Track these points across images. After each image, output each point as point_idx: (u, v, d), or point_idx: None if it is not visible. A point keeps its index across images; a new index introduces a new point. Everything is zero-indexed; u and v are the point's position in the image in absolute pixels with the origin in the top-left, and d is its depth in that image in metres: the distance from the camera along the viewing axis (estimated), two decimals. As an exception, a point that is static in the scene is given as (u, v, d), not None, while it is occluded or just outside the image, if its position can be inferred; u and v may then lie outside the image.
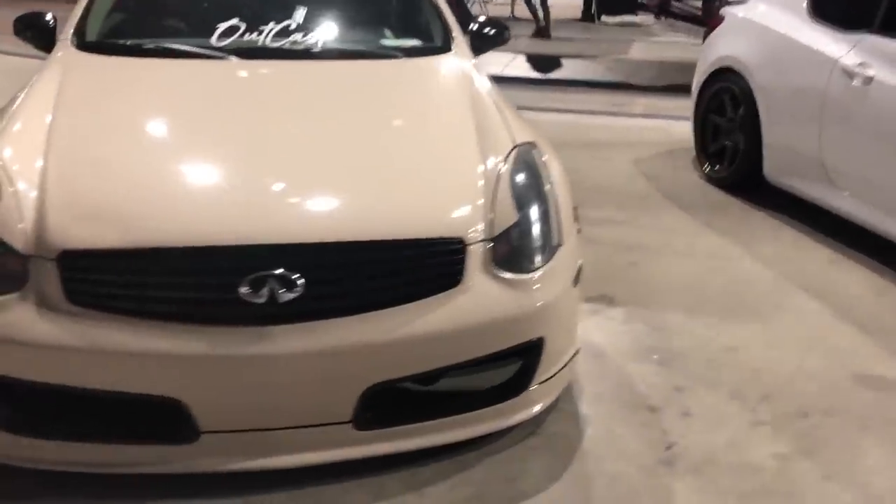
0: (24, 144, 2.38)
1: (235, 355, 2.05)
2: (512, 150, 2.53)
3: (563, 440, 2.47)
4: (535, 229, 2.38)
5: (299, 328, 2.08)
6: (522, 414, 2.39)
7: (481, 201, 2.34)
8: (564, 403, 2.59)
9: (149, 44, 3.06)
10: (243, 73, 2.94)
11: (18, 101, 2.67)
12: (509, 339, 2.28)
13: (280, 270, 2.05)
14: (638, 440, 2.48)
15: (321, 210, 2.22)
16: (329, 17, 3.34)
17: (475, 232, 2.27)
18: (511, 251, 2.32)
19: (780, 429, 2.56)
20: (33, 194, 2.18)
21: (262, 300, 2.05)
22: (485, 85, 3.02)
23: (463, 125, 2.66)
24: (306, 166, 2.36)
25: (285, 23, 3.10)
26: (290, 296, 2.06)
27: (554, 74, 8.49)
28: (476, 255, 2.26)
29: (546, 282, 2.34)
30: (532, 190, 2.45)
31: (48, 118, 2.48)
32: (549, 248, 2.39)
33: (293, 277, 2.06)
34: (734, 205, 4.55)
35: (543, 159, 2.57)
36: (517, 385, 2.36)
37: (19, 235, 2.11)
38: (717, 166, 4.87)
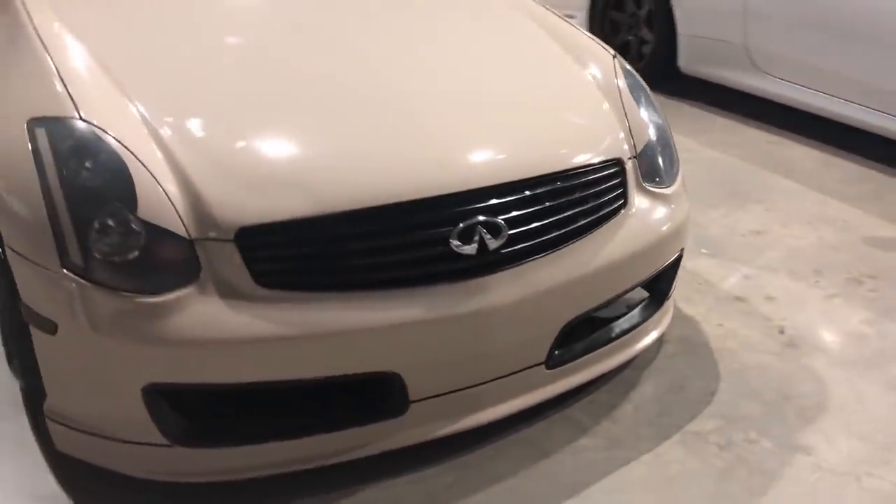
0: (101, 102, 1.92)
1: (454, 314, 1.87)
2: (613, 61, 2.47)
3: (693, 343, 2.54)
4: (665, 139, 2.37)
5: (509, 275, 1.93)
6: (665, 324, 2.42)
7: (614, 118, 2.28)
8: (667, 308, 2.66)
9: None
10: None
11: (24, 49, 2.14)
12: (669, 254, 2.29)
13: (489, 216, 1.89)
14: (752, 330, 2.62)
15: (503, 147, 2.03)
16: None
17: (626, 150, 2.22)
18: (651, 165, 2.29)
19: (850, 298, 2.82)
20: (162, 162, 1.80)
21: (473, 250, 1.88)
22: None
23: (541, 38, 2.54)
24: (454, 100, 2.14)
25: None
26: (499, 242, 1.90)
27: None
28: (631, 174, 2.22)
29: (682, 191, 2.37)
30: (648, 100, 2.43)
31: (95, 65, 2.03)
32: (675, 156, 2.40)
33: (499, 221, 1.90)
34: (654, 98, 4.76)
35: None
36: (662, 297, 2.38)
37: (172, 216, 1.75)
38: (623, 62, 5.04)
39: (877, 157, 3.93)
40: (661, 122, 2.40)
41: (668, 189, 2.30)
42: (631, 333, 2.28)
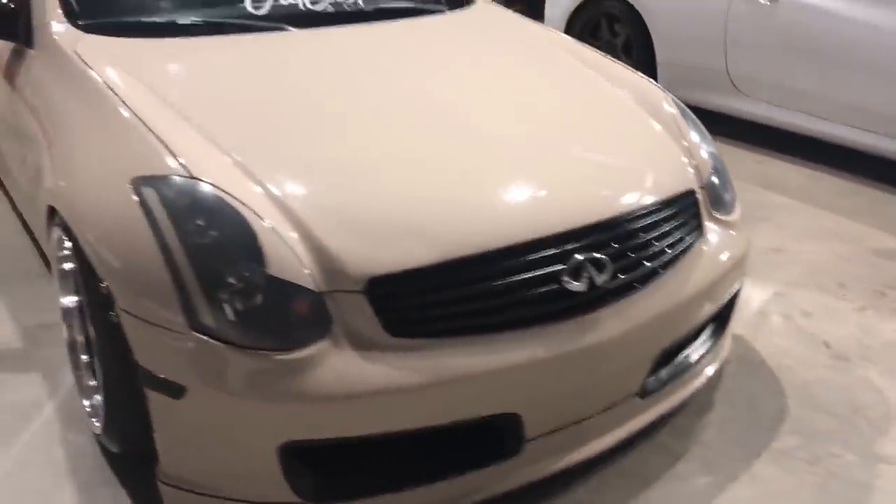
0: (202, 157, 1.89)
1: (570, 351, 1.90)
2: (664, 93, 2.56)
3: (752, 363, 2.63)
4: (720, 167, 2.46)
5: (614, 309, 1.97)
6: (727, 347, 2.50)
7: (679, 149, 2.36)
8: (717, 329, 2.74)
9: (183, 19, 2.53)
10: (338, 45, 2.55)
11: (102, 109, 2.09)
12: (738, 280, 2.37)
13: (594, 253, 1.93)
14: (800, 346, 2.72)
15: (600, 185, 2.09)
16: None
17: (695, 180, 2.30)
18: (715, 193, 2.38)
19: (878, 309, 2.96)
20: (280, 217, 1.78)
21: (583, 287, 1.91)
22: (547, 29, 2.98)
23: (597, 79, 2.62)
24: (546, 143, 2.18)
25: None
26: (604, 277, 1.95)
27: None
28: (702, 203, 2.29)
29: (741, 218, 2.45)
30: (699, 129, 2.51)
31: (182, 120, 2.00)
32: (731, 183, 2.49)
33: (603, 258, 1.95)
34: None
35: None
36: (726, 321, 2.46)
37: (299, 270, 1.73)
38: (601, 88, 5.18)
39: (860, 171, 4.15)
40: (714, 149, 2.49)
41: (731, 216, 2.39)
42: (703, 361, 2.36)
